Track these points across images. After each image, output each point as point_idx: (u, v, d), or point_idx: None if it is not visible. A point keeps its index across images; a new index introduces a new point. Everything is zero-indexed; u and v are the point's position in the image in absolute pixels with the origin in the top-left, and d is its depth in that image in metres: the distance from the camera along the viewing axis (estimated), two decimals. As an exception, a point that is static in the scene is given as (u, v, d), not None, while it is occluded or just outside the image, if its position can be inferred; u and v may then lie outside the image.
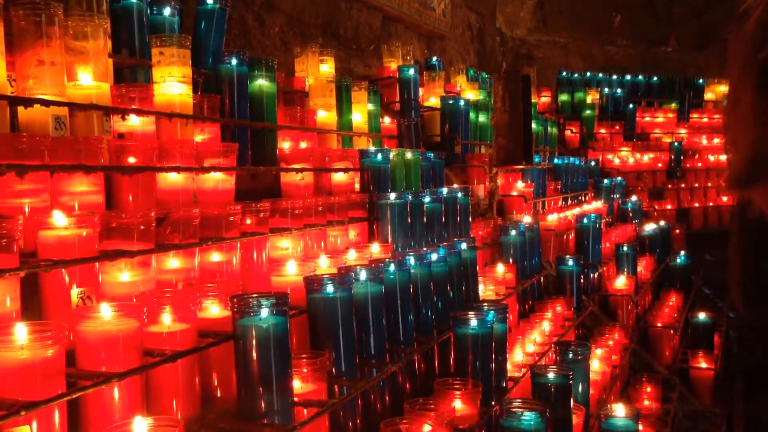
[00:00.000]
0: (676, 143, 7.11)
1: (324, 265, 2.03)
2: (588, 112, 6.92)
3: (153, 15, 2.15)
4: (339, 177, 2.61)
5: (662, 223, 5.37)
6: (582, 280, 3.56)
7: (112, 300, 1.51)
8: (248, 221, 1.95)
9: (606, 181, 5.78)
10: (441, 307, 2.31)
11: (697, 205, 6.92)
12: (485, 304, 2.36)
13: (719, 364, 4.39)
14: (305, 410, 1.53)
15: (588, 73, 7.40)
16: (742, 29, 0.86)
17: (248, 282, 1.96)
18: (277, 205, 2.07)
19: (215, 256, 1.89)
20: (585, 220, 4.05)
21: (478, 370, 2.06)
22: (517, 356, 2.56)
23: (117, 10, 2.01)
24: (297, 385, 1.57)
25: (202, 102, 2.17)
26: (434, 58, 4.58)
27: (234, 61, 2.27)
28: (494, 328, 2.10)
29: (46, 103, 1.60)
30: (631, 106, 7.28)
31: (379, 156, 2.66)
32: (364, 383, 1.78)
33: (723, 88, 7.70)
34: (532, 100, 5.24)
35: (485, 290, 2.73)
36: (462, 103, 3.92)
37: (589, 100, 6.97)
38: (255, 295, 1.49)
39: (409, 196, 2.59)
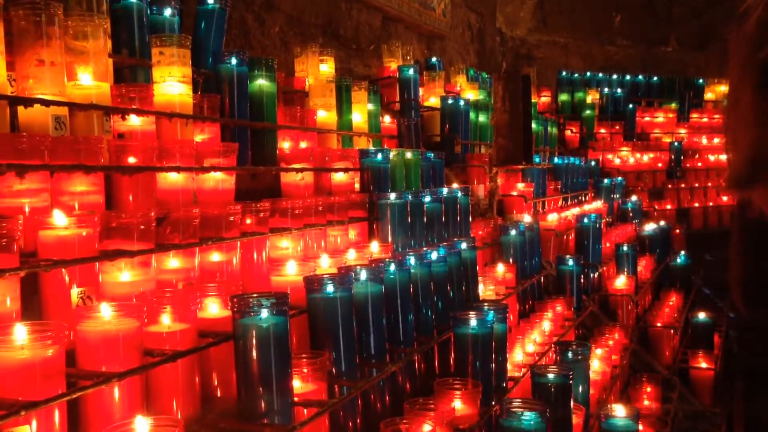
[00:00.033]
0: (676, 143, 7.11)
1: (324, 264, 2.03)
2: (588, 112, 6.92)
3: (153, 15, 2.15)
4: (339, 177, 2.61)
5: (662, 223, 5.37)
6: (582, 280, 3.56)
7: (112, 300, 1.51)
8: (248, 221, 1.95)
9: (606, 181, 5.78)
10: (441, 307, 2.31)
11: (697, 205, 6.92)
12: (485, 304, 2.36)
13: (719, 364, 4.39)
14: (305, 410, 1.53)
15: (588, 73, 7.40)
16: (742, 29, 0.86)
17: (248, 282, 1.96)
18: (277, 205, 2.07)
19: (215, 256, 1.89)
20: (585, 220, 4.04)
21: (478, 370, 2.06)
22: (517, 356, 2.56)
23: (117, 10, 2.01)
24: (297, 385, 1.57)
25: (202, 102, 2.17)
26: (434, 58, 4.57)
27: (234, 61, 2.27)
28: (494, 328, 2.10)
29: (46, 103, 1.60)
30: (631, 106, 7.28)
31: (379, 156, 2.66)
32: (364, 383, 1.78)
33: (723, 88, 7.70)
34: (532, 100, 5.23)
35: (485, 290, 2.73)
36: (462, 103, 3.92)
37: (589, 100, 6.96)
38: (255, 295, 1.49)
39: (409, 196, 2.59)
